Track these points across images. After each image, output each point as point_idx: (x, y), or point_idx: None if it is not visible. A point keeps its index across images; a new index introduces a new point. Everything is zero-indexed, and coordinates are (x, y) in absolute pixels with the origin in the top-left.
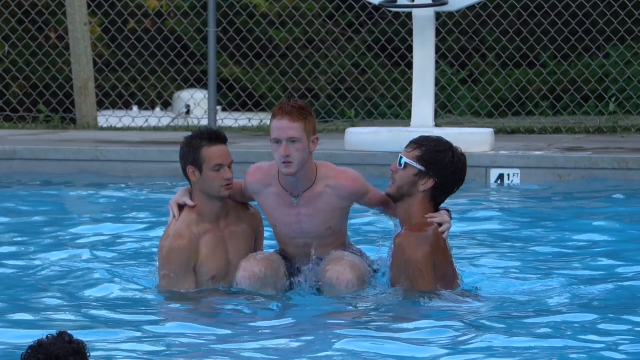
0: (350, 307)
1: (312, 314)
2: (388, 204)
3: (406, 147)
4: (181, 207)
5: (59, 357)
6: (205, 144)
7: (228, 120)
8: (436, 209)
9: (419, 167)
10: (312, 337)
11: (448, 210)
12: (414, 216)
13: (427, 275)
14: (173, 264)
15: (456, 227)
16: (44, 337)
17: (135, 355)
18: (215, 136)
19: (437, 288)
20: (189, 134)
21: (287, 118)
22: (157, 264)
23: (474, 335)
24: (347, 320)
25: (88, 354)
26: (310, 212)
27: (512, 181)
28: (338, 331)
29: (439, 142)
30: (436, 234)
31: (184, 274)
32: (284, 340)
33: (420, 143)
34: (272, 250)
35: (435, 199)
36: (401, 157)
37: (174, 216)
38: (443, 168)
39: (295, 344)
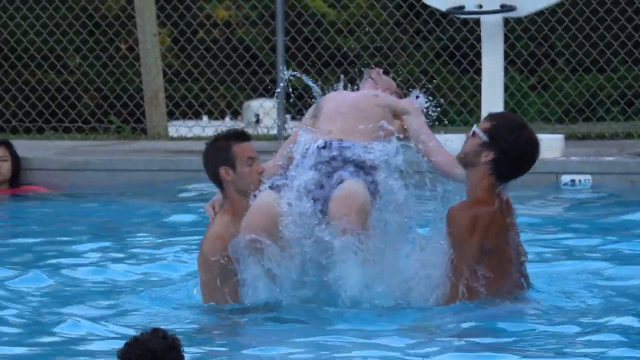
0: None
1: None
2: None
3: (483, 118)
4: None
5: (155, 352)
6: (233, 142)
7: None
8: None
9: (483, 137)
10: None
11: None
12: (477, 189)
13: (467, 253)
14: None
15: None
16: (139, 333)
17: None
18: (242, 134)
19: (475, 270)
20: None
21: None
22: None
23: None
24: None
25: (182, 350)
26: None
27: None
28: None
29: (512, 120)
30: (492, 215)
31: (224, 278)
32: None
33: (495, 117)
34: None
35: (498, 175)
36: (474, 125)
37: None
38: (505, 145)
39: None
